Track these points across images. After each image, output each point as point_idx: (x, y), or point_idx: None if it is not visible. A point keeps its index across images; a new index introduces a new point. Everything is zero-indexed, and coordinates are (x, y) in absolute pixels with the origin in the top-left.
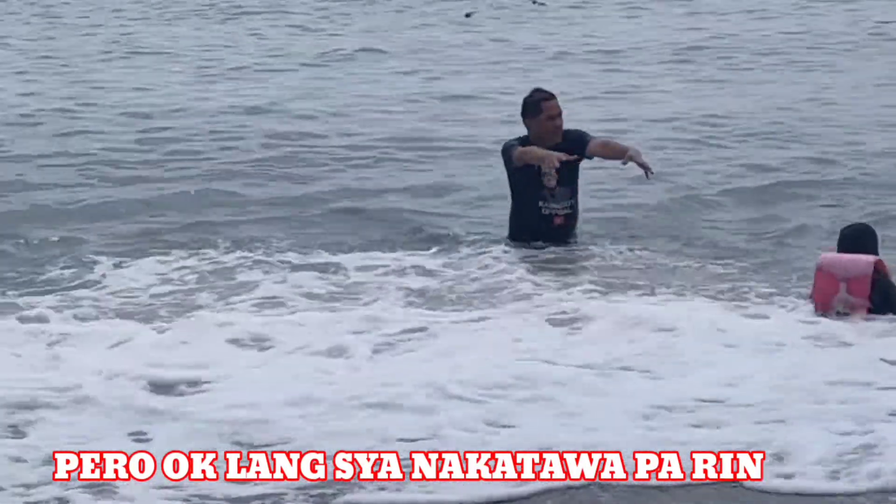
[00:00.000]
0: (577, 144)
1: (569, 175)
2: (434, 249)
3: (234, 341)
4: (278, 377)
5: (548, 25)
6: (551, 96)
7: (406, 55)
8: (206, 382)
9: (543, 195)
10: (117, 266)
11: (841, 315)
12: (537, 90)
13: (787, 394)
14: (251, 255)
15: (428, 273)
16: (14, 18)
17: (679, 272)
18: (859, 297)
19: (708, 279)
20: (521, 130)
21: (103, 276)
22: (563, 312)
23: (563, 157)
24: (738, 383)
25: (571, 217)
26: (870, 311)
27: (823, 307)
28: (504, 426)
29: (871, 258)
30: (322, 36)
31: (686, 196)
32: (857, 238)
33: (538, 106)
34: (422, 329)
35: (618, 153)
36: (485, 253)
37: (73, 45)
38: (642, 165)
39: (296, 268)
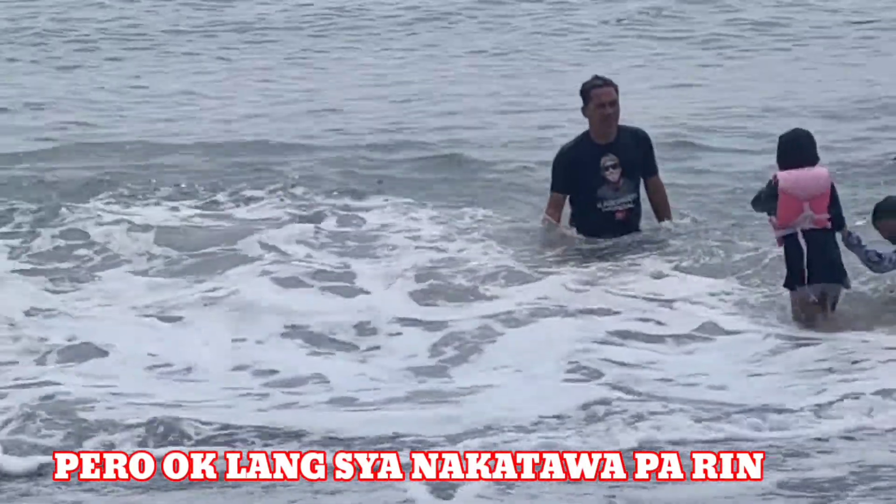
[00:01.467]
0: (638, 148)
1: (633, 168)
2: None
3: None
4: None
5: None
6: (604, 83)
7: None
8: None
9: (603, 194)
10: None
11: (806, 231)
12: (595, 77)
13: None
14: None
15: None
16: None
17: None
18: (821, 213)
19: None
20: None
21: None
22: None
23: None
24: None
25: (634, 213)
26: (830, 220)
27: (787, 225)
28: None
29: (825, 173)
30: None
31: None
32: (797, 141)
33: (588, 94)
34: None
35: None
36: None
37: None
38: None
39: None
